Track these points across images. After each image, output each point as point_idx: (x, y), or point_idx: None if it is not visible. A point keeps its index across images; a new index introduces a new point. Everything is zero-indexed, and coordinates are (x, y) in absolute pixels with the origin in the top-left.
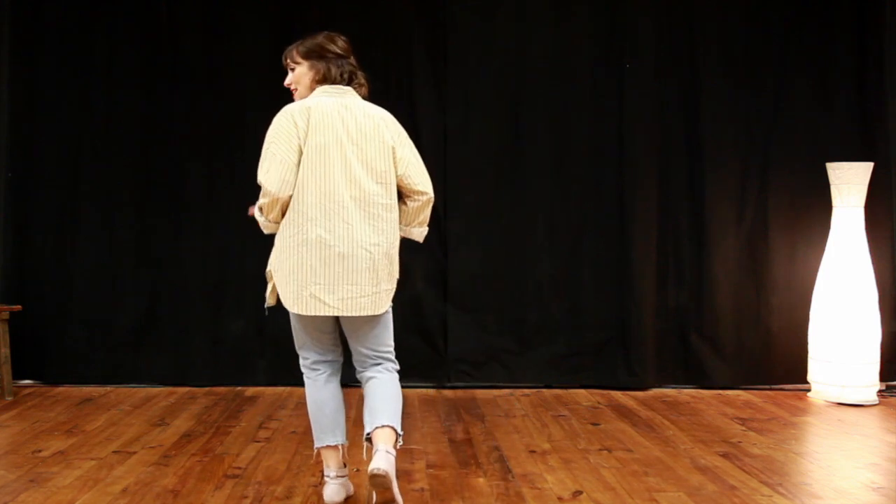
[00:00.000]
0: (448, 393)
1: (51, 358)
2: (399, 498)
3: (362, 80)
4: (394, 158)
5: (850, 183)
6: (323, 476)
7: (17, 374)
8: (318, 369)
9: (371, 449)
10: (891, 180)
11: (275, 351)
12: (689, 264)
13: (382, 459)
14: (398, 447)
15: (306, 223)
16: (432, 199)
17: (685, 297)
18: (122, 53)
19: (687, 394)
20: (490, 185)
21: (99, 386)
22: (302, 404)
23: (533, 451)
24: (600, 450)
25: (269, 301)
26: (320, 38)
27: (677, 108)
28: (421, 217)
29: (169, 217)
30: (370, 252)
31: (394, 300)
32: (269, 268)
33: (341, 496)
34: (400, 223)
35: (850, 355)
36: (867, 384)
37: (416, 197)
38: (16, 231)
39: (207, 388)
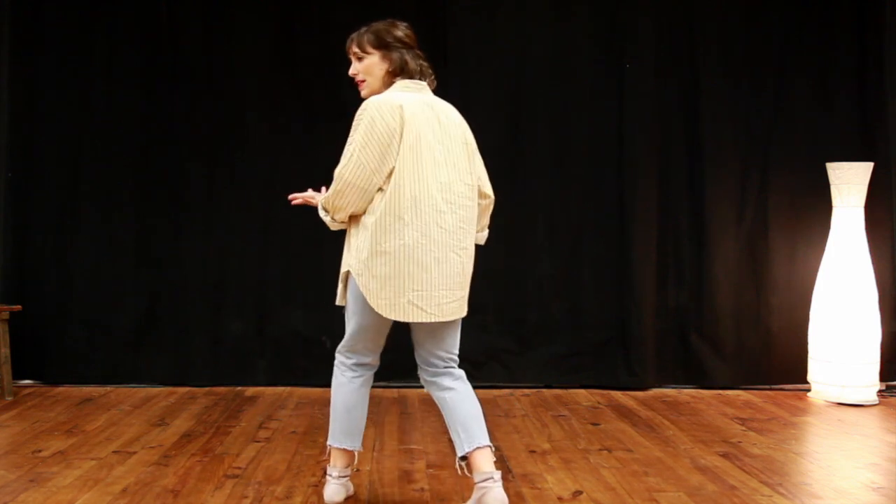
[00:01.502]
0: None
1: (51, 358)
2: None
3: (433, 74)
4: (470, 159)
5: (850, 183)
6: (325, 474)
7: (17, 374)
8: (357, 371)
9: (469, 468)
10: (891, 180)
11: (275, 351)
12: (689, 264)
13: (501, 492)
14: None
15: (403, 227)
16: (493, 203)
17: (685, 297)
18: (122, 53)
19: (687, 394)
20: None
21: (99, 386)
22: (302, 404)
23: (533, 451)
24: (600, 450)
25: (341, 301)
26: (385, 26)
27: (677, 108)
28: (485, 220)
29: (169, 217)
30: (460, 256)
31: None
32: (346, 268)
33: (341, 496)
34: None
35: (850, 355)
36: (867, 384)
37: (482, 200)
38: (16, 231)
39: (207, 388)
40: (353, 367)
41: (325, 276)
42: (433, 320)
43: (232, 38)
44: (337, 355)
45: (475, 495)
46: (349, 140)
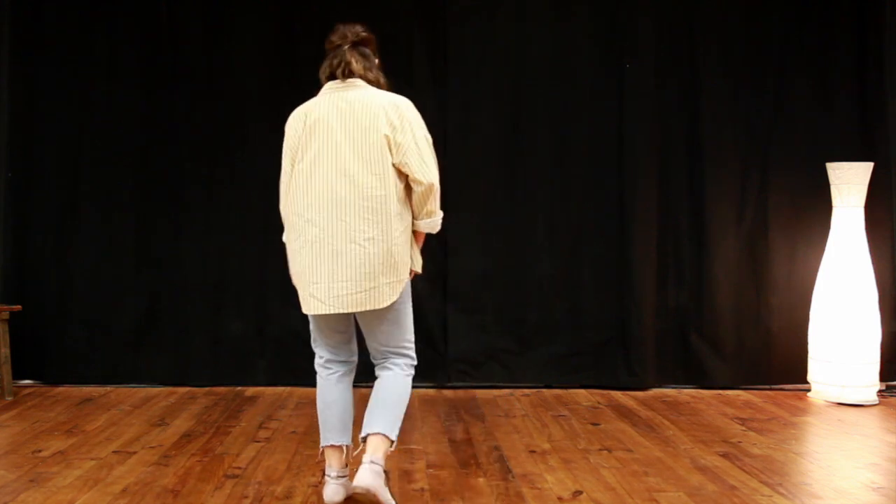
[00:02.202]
0: (448, 393)
1: (51, 358)
2: (389, 502)
3: (361, 69)
4: (389, 147)
5: (850, 183)
6: (324, 475)
7: (17, 374)
8: (330, 368)
9: (363, 451)
10: (891, 180)
11: (275, 351)
12: (689, 264)
13: (366, 475)
14: (391, 450)
15: (304, 224)
16: (434, 188)
17: (685, 297)
18: (122, 53)
19: (687, 394)
20: (490, 185)
21: (99, 386)
22: (302, 404)
23: (533, 451)
24: (600, 450)
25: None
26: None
27: (677, 108)
28: (426, 207)
29: (169, 217)
30: (363, 246)
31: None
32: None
33: (340, 496)
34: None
35: (850, 355)
36: (867, 384)
37: (415, 186)
38: (16, 231)
39: (207, 388)
40: (326, 365)
41: None
42: (329, 311)
43: (232, 38)
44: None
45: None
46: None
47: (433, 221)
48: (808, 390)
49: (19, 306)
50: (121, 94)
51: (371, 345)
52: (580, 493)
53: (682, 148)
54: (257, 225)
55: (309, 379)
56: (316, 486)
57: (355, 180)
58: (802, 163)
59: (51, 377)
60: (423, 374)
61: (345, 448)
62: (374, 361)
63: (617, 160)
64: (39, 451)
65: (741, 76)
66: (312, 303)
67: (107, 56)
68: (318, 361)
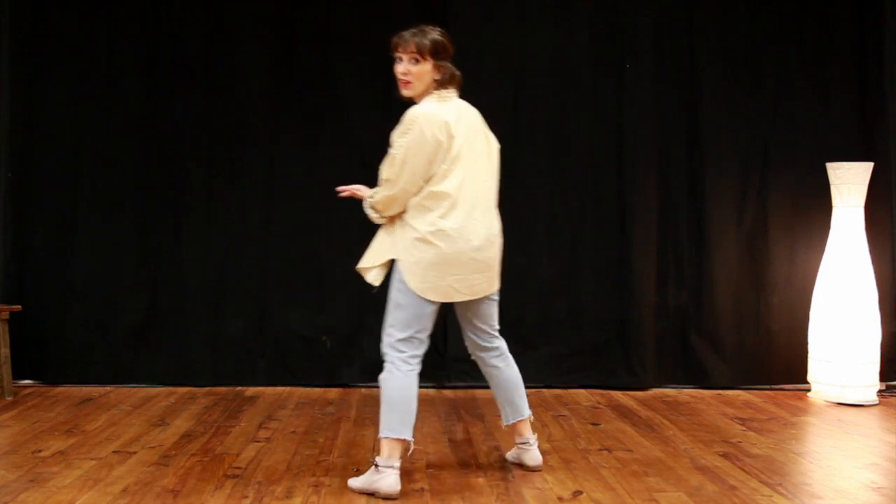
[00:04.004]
0: (448, 393)
1: (51, 358)
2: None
3: (458, 76)
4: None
5: (850, 183)
6: (381, 466)
7: (17, 374)
8: (411, 364)
9: (511, 432)
10: (891, 180)
11: (275, 351)
12: (689, 264)
13: (537, 453)
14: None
15: (440, 220)
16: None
17: (685, 297)
18: (122, 53)
19: (687, 394)
20: None
21: (99, 386)
22: (302, 404)
23: None
24: (600, 450)
25: (376, 283)
26: (441, 38)
27: (677, 108)
28: None
29: (169, 217)
30: (492, 242)
31: None
32: (385, 258)
33: (399, 486)
34: None
35: (850, 355)
36: (867, 384)
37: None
38: (16, 231)
39: (207, 388)
40: (408, 360)
41: (325, 276)
42: (466, 299)
43: (232, 38)
44: (389, 351)
45: (515, 452)
46: (395, 145)
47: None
48: (808, 390)
49: (19, 306)
50: (121, 94)
51: (479, 327)
52: (580, 493)
53: (682, 148)
54: (257, 225)
55: (309, 379)
56: (316, 486)
57: (480, 182)
58: (802, 163)
59: (51, 377)
60: (423, 374)
61: (410, 444)
62: (481, 346)
63: (617, 160)
64: (39, 451)
65: (741, 76)
66: (450, 291)
67: (107, 56)
68: (399, 357)
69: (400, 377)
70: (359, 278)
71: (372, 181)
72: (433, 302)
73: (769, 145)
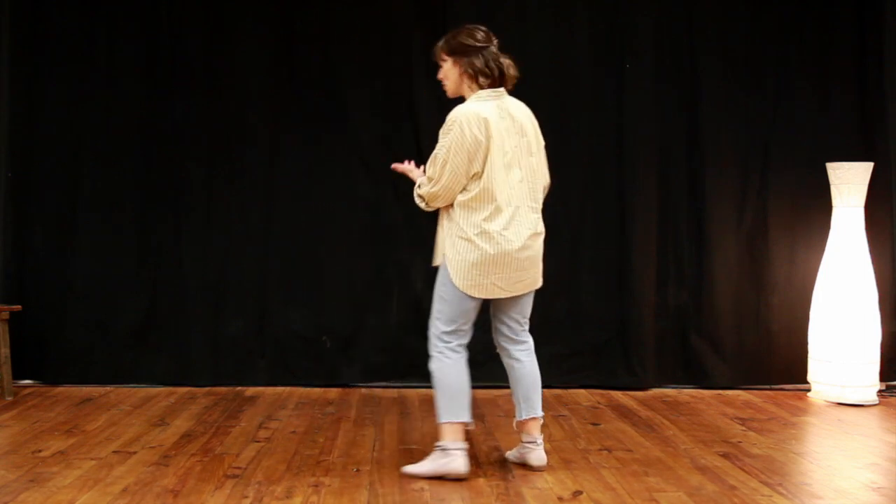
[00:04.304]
0: None
1: (51, 358)
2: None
3: (511, 71)
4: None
5: (850, 183)
6: (449, 449)
7: (17, 374)
8: (458, 351)
9: (520, 429)
10: (891, 180)
11: (275, 351)
12: (689, 264)
13: (542, 455)
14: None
15: (484, 223)
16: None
17: (685, 297)
18: (122, 53)
19: (687, 394)
20: None
21: (99, 386)
22: (302, 404)
23: None
24: (600, 450)
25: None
26: (453, 34)
27: (677, 108)
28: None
29: (169, 217)
30: (535, 242)
31: (395, 300)
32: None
33: (468, 466)
34: None
35: (850, 355)
36: (867, 384)
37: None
38: (16, 231)
39: (207, 388)
40: (456, 349)
41: (325, 276)
42: (509, 295)
43: (232, 38)
44: (436, 341)
45: (518, 450)
46: (438, 144)
47: None
48: (808, 390)
49: (19, 306)
50: (121, 94)
51: (513, 317)
52: (580, 493)
53: (682, 148)
54: (257, 225)
55: (309, 379)
56: (316, 486)
57: (525, 184)
58: (802, 163)
59: (51, 377)
60: (424, 374)
61: (468, 426)
62: (508, 337)
63: (617, 160)
64: (39, 451)
65: (741, 76)
66: (493, 289)
67: (107, 56)
68: (447, 346)
69: (450, 364)
70: (358, 278)
71: (372, 181)
72: (476, 298)
73: (769, 145)
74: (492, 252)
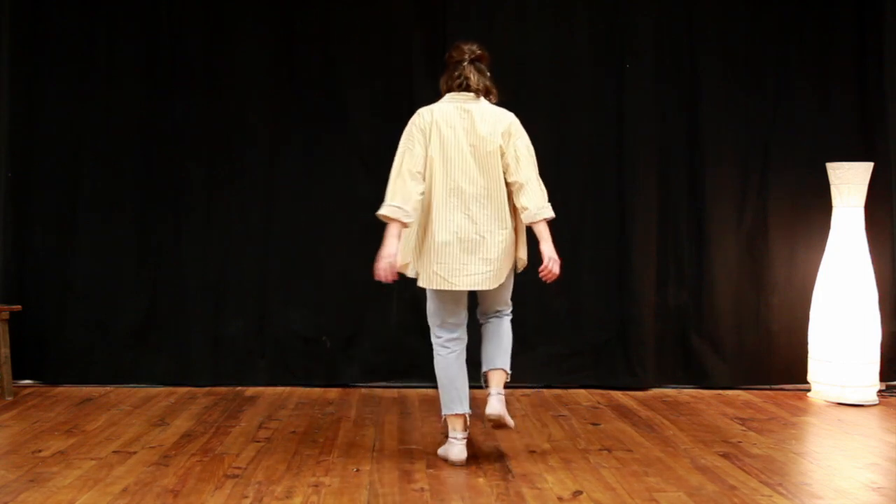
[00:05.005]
0: None
1: (51, 358)
2: (511, 422)
3: (480, 85)
4: (501, 154)
5: (850, 183)
6: (448, 438)
7: (17, 374)
8: (450, 347)
9: (485, 382)
10: (891, 180)
11: (275, 351)
12: (689, 264)
13: (495, 403)
14: (507, 380)
15: (432, 219)
16: (525, 186)
17: (685, 297)
18: (122, 53)
19: (687, 394)
20: None
21: (99, 386)
22: (302, 404)
23: (533, 451)
24: (600, 450)
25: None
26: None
27: (677, 108)
28: (520, 202)
29: (169, 217)
30: (484, 237)
31: (395, 300)
32: (406, 258)
33: (465, 455)
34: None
35: (850, 355)
36: (867, 384)
37: (512, 186)
38: (16, 231)
39: (207, 388)
40: (446, 345)
41: (325, 277)
42: (461, 288)
43: (232, 38)
44: (432, 339)
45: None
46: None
47: (533, 213)
48: (808, 390)
49: (19, 306)
50: (121, 94)
51: (483, 306)
52: (580, 493)
53: (682, 148)
54: (257, 225)
55: (309, 379)
56: (316, 486)
57: (475, 181)
58: (802, 163)
59: (51, 377)
60: (424, 374)
61: (466, 416)
62: (481, 318)
63: (617, 160)
64: (39, 451)
65: (741, 76)
66: (439, 281)
67: (107, 56)
68: (438, 342)
69: (441, 360)
70: (358, 278)
71: (371, 181)
72: (445, 291)
73: (769, 145)
74: (432, 241)
